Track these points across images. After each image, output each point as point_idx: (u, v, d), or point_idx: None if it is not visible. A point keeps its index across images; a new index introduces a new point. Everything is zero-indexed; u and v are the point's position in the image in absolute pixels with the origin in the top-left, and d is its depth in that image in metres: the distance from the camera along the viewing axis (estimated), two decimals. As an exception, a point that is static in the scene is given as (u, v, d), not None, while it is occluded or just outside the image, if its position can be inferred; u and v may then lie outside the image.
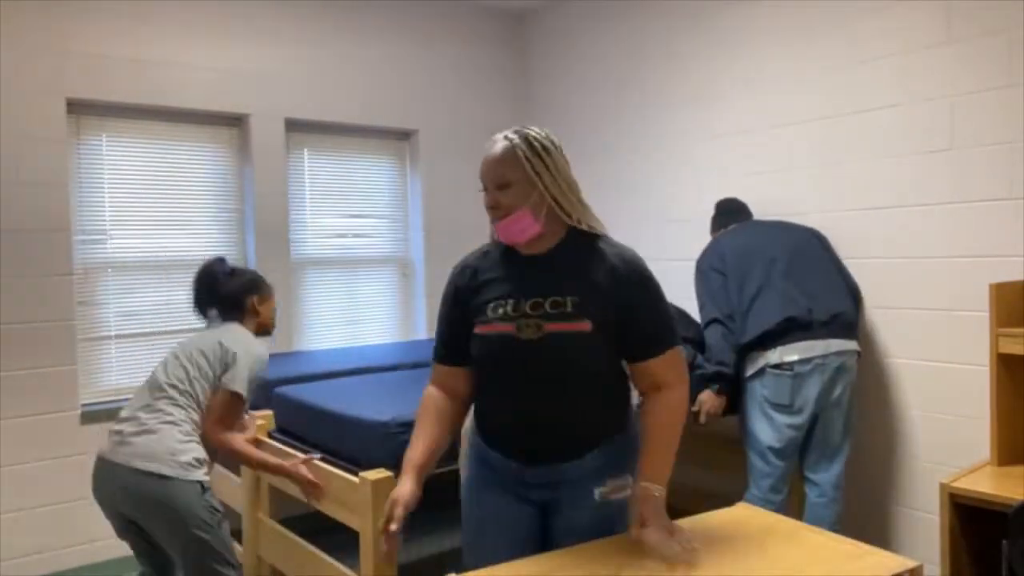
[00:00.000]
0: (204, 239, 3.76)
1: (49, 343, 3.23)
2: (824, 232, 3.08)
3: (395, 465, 2.29)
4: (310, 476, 2.36)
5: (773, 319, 2.68)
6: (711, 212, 3.65)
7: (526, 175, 1.59)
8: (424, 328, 4.44)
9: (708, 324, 2.84)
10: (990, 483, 2.18)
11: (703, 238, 3.71)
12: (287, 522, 2.79)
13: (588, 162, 4.35)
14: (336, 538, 2.78)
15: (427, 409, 1.71)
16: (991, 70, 2.62)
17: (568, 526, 1.60)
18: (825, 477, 2.74)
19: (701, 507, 3.13)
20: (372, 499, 2.16)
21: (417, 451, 1.64)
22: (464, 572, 1.44)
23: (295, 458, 2.41)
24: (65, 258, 3.29)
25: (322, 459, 2.44)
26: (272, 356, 3.69)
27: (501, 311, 1.61)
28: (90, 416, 3.33)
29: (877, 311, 2.98)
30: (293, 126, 3.97)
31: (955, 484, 2.18)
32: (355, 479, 2.24)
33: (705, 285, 2.90)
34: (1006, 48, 2.58)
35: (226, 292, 2.47)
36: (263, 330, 2.54)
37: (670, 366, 1.59)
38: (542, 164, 1.59)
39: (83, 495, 3.30)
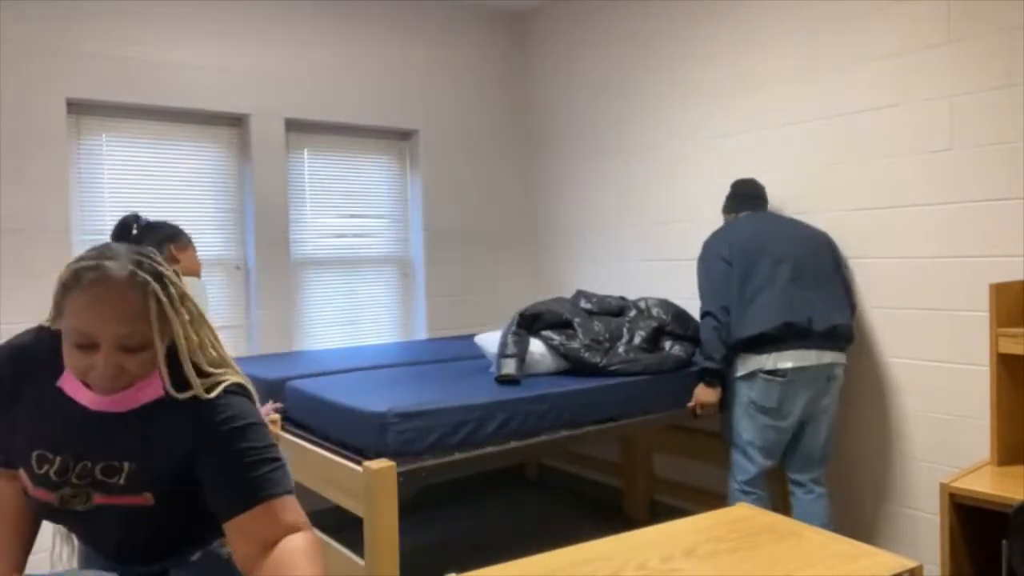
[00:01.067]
0: (204, 239, 3.76)
1: (49, 343, 3.22)
2: (824, 232, 3.08)
3: (394, 454, 2.36)
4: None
5: (772, 323, 2.72)
6: (708, 214, 3.65)
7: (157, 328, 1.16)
8: (424, 328, 4.44)
9: (704, 316, 2.87)
10: (990, 483, 2.18)
11: (703, 238, 3.71)
12: (308, 516, 2.83)
13: (587, 162, 4.35)
14: (347, 530, 2.79)
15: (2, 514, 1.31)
16: (991, 70, 2.62)
17: None
18: (809, 476, 2.84)
19: (700, 506, 3.13)
20: (373, 487, 2.24)
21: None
22: (464, 572, 1.43)
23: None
24: (65, 258, 3.29)
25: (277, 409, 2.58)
26: (273, 356, 3.71)
27: (44, 469, 1.24)
28: (90, 416, 3.33)
29: (877, 311, 2.98)
30: (293, 126, 3.97)
31: (955, 484, 2.18)
32: (358, 468, 2.31)
33: (708, 273, 2.88)
34: (1006, 48, 2.58)
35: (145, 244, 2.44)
36: (190, 274, 2.52)
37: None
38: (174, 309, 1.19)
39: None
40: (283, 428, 2.88)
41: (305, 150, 4.08)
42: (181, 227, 2.56)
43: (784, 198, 3.29)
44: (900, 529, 2.94)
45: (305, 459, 2.65)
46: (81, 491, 1.24)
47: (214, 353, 1.27)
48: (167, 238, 2.50)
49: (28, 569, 1.35)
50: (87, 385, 1.14)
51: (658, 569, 1.40)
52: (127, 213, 2.46)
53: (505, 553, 1.55)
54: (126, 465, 1.23)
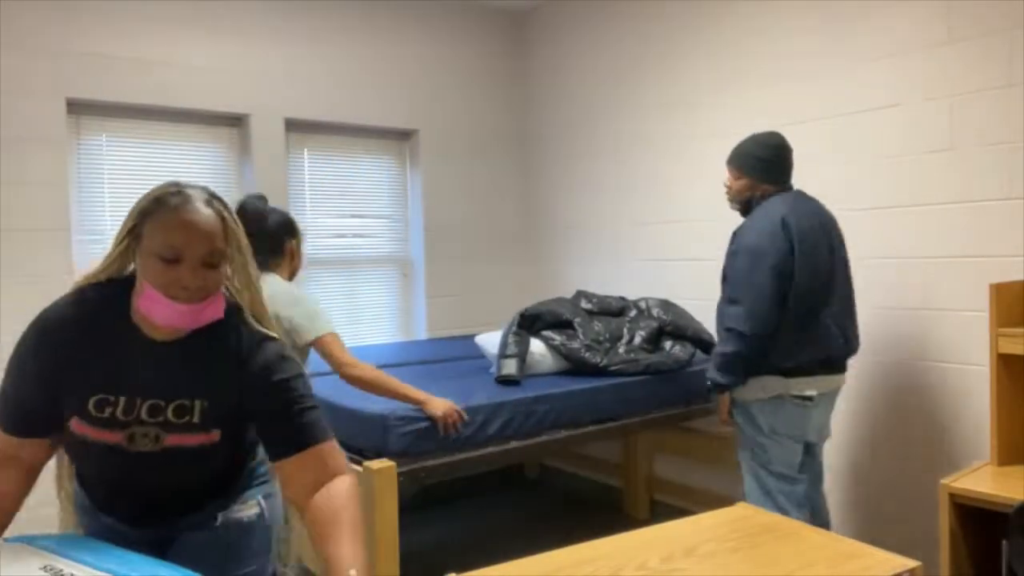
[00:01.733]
0: (204, 239, 3.76)
1: (49, 343, 3.22)
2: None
3: (395, 454, 2.37)
4: (455, 413, 2.45)
5: (818, 355, 2.45)
6: (708, 214, 3.64)
7: (229, 250, 1.32)
8: (424, 328, 4.44)
9: (736, 335, 2.41)
10: (990, 483, 2.17)
11: (703, 238, 3.71)
12: None
13: (587, 162, 4.35)
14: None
15: None
16: (991, 70, 2.62)
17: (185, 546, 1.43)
18: (818, 490, 2.72)
19: (700, 506, 3.13)
20: (375, 488, 2.25)
21: None
22: (464, 572, 1.43)
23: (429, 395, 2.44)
24: (65, 258, 3.29)
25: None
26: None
27: (108, 412, 1.29)
28: (90, 416, 3.33)
29: (877, 311, 2.98)
30: (293, 126, 3.97)
31: (955, 484, 2.18)
32: (358, 468, 2.32)
33: (756, 287, 2.37)
34: (1006, 48, 2.58)
35: (268, 232, 2.32)
36: (292, 276, 2.44)
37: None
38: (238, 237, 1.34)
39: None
40: None
41: (305, 150, 4.08)
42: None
43: (784, 198, 3.29)
44: (900, 529, 2.94)
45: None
46: (151, 429, 1.30)
47: (262, 308, 1.40)
48: (288, 230, 2.38)
49: (30, 528, 1.36)
50: (171, 298, 1.24)
51: (658, 569, 1.40)
52: (252, 193, 2.41)
53: (505, 553, 1.55)
54: (197, 403, 1.31)
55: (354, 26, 4.14)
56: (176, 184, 1.31)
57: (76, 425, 1.30)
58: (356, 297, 4.27)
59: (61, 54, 3.29)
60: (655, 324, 3.29)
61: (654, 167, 3.93)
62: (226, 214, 1.31)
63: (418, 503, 4.11)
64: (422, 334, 4.44)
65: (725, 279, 2.52)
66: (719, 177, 3.60)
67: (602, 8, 4.21)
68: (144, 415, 1.29)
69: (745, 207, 2.62)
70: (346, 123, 4.13)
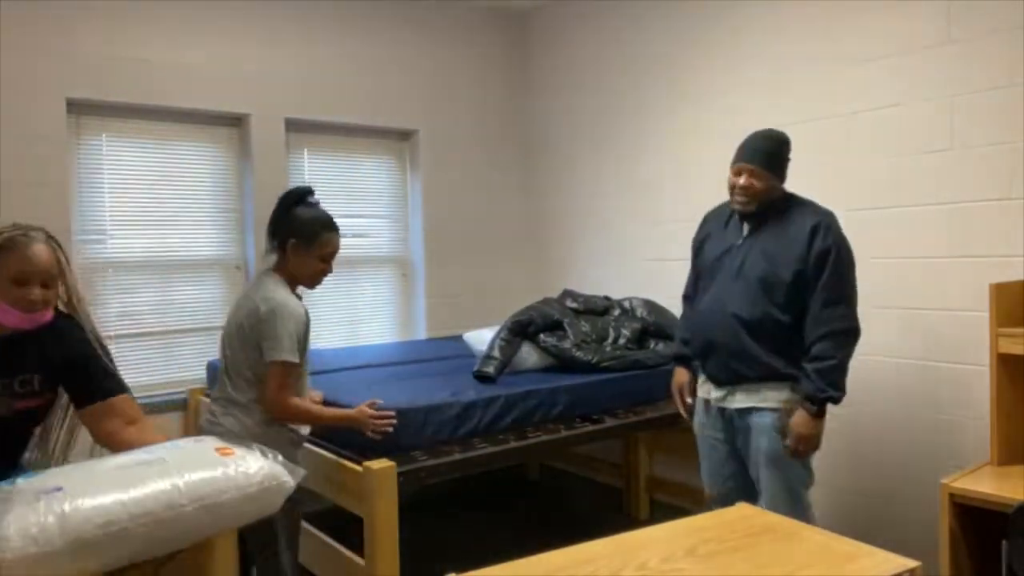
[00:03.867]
0: (204, 239, 3.76)
1: (49, 343, 3.22)
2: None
3: (398, 454, 2.38)
4: (377, 416, 2.33)
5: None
6: (710, 203, 3.64)
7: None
8: (423, 328, 4.44)
9: (854, 334, 2.29)
10: (990, 483, 2.18)
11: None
12: (309, 516, 2.83)
13: (587, 161, 4.35)
14: (347, 530, 2.80)
15: None
16: (991, 70, 2.62)
17: None
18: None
19: (700, 506, 3.13)
20: (375, 487, 2.25)
21: None
22: (464, 572, 1.43)
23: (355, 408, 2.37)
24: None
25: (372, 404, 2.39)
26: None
27: None
28: (90, 416, 3.33)
29: (877, 311, 2.98)
30: (293, 126, 3.97)
31: (955, 484, 2.18)
32: (358, 468, 2.32)
33: (855, 287, 2.34)
34: (1006, 48, 2.58)
35: (272, 222, 2.38)
36: (293, 282, 2.37)
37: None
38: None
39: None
40: None
41: (305, 150, 4.08)
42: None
43: (784, 198, 3.29)
44: (900, 529, 2.94)
45: (305, 459, 2.65)
46: (3, 400, 1.78)
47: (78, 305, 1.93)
48: (291, 230, 2.35)
49: None
50: (19, 309, 1.73)
51: (658, 569, 1.40)
52: (301, 186, 2.44)
53: (505, 553, 1.55)
54: (35, 377, 1.81)
55: (354, 26, 4.14)
56: (16, 226, 1.82)
57: None
58: (356, 297, 4.27)
59: (61, 54, 3.29)
60: (639, 325, 3.38)
61: (654, 167, 3.93)
62: (59, 252, 1.84)
63: (418, 503, 4.11)
64: (421, 334, 4.44)
65: (803, 280, 2.28)
66: (722, 177, 3.59)
67: (603, 8, 4.21)
68: None
69: (764, 208, 2.40)
70: (346, 123, 4.13)
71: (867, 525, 3.05)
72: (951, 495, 2.17)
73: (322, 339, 4.12)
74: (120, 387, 1.89)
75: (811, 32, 3.16)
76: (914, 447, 2.89)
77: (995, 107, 2.61)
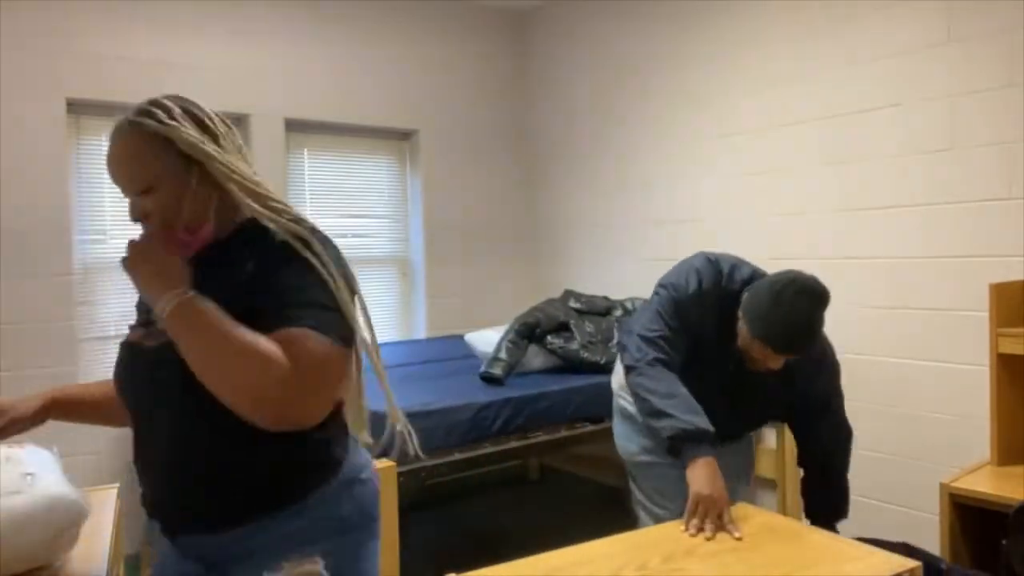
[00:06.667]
0: (204, 239, 3.76)
1: (49, 343, 3.22)
2: (823, 232, 3.09)
3: (399, 453, 2.35)
4: None
5: None
6: (707, 214, 3.65)
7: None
8: (423, 328, 4.44)
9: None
10: (990, 483, 2.17)
11: (706, 239, 3.72)
12: None
13: (587, 162, 4.35)
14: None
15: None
16: (991, 70, 2.62)
17: None
18: None
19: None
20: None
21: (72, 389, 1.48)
22: (464, 572, 1.44)
23: None
24: (65, 258, 3.29)
25: None
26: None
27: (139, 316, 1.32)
28: (90, 416, 3.34)
29: (877, 311, 2.98)
30: (293, 126, 3.97)
31: (955, 484, 2.18)
32: None
33: None
34: (1006, 48, 2.57)
35: None
36: None
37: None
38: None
39: (83, 495, 3.30)
40: None
41: (305, 150, 4.08)
42: None
43: (784, 199, 3.29)
44: (900, 529, 2.93)
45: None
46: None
47: (256, 191, 1.25)
48: None
49: None
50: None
51: (658, 569, 1.40)
52: None
53: (505, 553, 1.55)
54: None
55: (354, 26, 4.14)
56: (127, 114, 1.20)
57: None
58: (356, 297, 4.26)
59: (61, 54, 3.29)
60: None
61: (655, 167, 3.93)
62: (154, 125, 1.17)
63: (418, 503, 4.11)
64: (421, 334, 4.44)
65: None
66: (722, 177, 3.60)
67: (602, 8, 4.21)
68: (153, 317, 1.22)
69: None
70: (346, 123, 4.13)
71: (868, 525, 3.05)
72: (951, 495, 2.17)
73: (322, 339, 4.12)
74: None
75: (811, 32, 3.16)
76: (914, 447, 2.89)
77: (995, 107, 2.61)
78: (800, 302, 1.75)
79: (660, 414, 1.77)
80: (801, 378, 1.96)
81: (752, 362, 1.88)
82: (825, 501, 2.07)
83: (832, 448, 2.09)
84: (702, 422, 1.74)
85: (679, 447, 1.73)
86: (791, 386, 1.96)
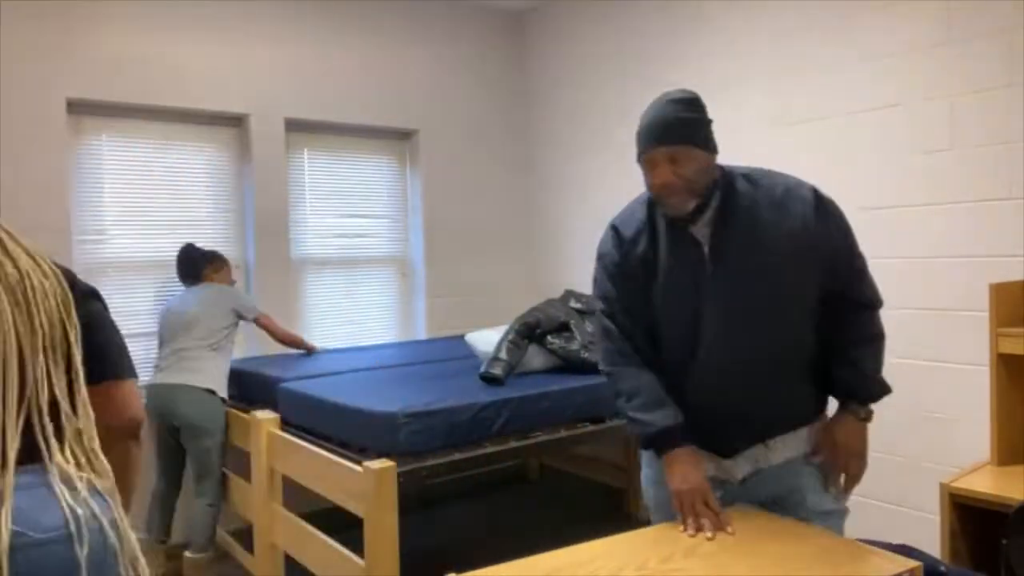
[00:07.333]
0: (204, 239, 3.75)
1: (49, 343, 3.21)
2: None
3: (403, 453, 2.38)
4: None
5: None
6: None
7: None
8: (423, 328, 4.44)
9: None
10: (990, 483, 2.17)
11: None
12: (309, 516, 2.87)
13: (587, 162, 4.35)
14: (347, 530, 2.81)
15: None
16: (991, 70, 2.62)
17: None
18: None
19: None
20: (375, 487, 2.24)
21: None
22: (464, 572, 1.43)
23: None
24: (65, 258, 3.29)
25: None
26: (273, 356, 3.71)
27: None
28: (90, 416, 3.34)
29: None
30: (293, 126, 3.97)
31: (955, 484, 2.18)
32: (359, 468, 2.31)
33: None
34: (1006, 48, 2.57)
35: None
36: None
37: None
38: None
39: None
40: (283, 428, 2.91)
41: (305, 150, 4.08)
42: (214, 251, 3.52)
43: (784, 198, 3.29)
44: (900, 529, 2.94)
45: (305, 459, 2.66)
46: None
47: None
48: (208, 261, 3.46)
49: None
50: None
51: (658, 569, 1.40)
52: (186, 244, 3.47)
53: (505, 553, 1.55)
54: None
55: (354, 26, 4.14)
56: None
57: None
58: (356, 297, 4.27)
59: (61, 54, 3.29)
60: None
61: (654, 167, 3.93)
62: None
63: (418, 503, 4.11)
64: (421, 334, 4.44)
65: (848, 262, 1.78)
66: (719, 177, 3.59)
67: (602, 8, 4.21)
68: None
69: (703, 197, 1.77)
70: (346, 123, 4.13)
71: (868, 525, 3.05)
72: (951, 495, 2.17)
73: (322, 339, 4.12)
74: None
75: (811, 32, 3.16)
76: (914, 447, 2.89)
77: (995, 107, 2.61)
78: (662, 99, 1.81)
79: (631, 420, 1.77)
80: (769, 239, 1.67)
81: (661, 205, 1.81)
82: (839, 381, 1.77)
83: (851, 337, 1.74)
84: (663, 417, 1.67)
85: (654, 448, 1.75)
86: (764, 254, 1.67)
